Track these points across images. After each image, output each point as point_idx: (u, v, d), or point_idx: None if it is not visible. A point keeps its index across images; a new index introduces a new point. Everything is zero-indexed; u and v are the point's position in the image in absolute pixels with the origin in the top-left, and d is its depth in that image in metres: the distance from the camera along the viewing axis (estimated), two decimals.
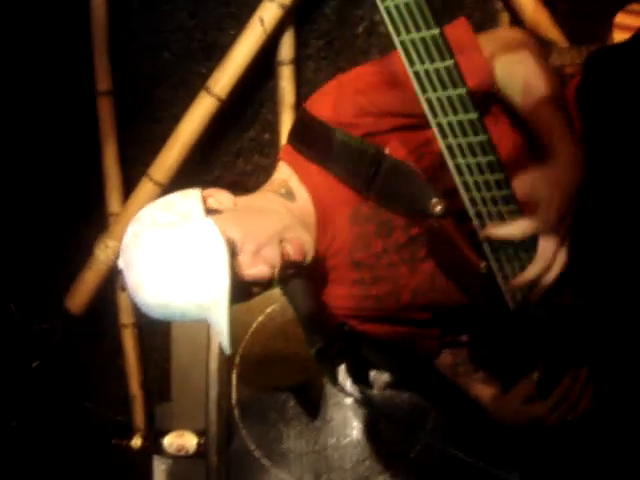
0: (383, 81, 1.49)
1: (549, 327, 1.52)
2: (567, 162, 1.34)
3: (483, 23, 2.48)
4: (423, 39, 1.10)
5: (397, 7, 1.08)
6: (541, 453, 1.77)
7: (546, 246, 1.33)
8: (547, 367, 1.63)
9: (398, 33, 1.11)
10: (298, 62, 2.51)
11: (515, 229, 1.32)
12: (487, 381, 1.75)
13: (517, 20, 2.41)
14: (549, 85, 1.44)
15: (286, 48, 2.46)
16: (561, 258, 1.35)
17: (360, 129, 1.50)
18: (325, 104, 1.56)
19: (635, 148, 1.41)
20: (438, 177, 1.44)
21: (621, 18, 2.08)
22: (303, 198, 1.58)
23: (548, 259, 1.34)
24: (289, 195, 1.58)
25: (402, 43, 1.12)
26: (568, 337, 1.55)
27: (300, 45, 2.50)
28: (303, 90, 2.52)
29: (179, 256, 1.37)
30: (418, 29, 1.09)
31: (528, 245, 1.35)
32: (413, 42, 1.11)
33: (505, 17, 2.45)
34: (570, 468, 1.76)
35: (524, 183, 1.31)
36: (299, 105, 2.49)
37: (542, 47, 1.64)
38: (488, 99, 1.55)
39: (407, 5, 1.07)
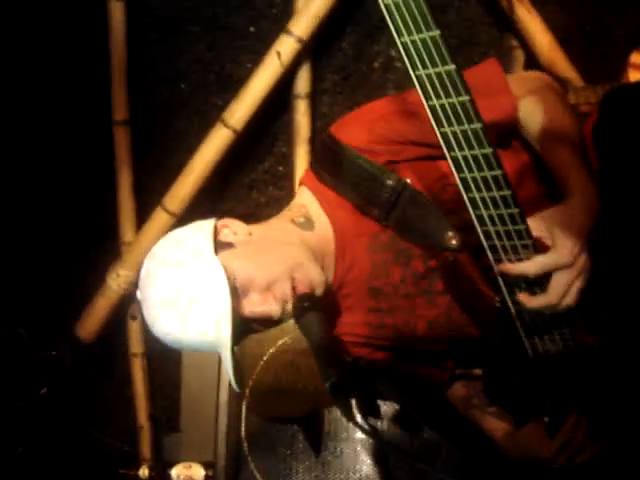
0: (408, 111, 1.50)
1: (563, 364, 1.52)
2: (582, 203, 1.35)
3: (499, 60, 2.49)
4: (439, 74, 1.11)
5: (414, 42, 1.09)
6: None
7: (559, 281, 1.33)
8: (556, 409, 1.62)
9: (414, 68, 1.12)
10: (314, 96, 2.52)
11: (529, 267, 1.32)
12: (500, 416, 1.75)
13: (532, 58, 2.42)
14: (569, 127, 1.47)
15: (302, 82, 2.47)
16: (573, 294, 1.34)
17: (382, 156, 1.51)
18: (350, 129, 1.57)
19: None
20: (459, 210, 1.45)
21: (636, 57, 2.09)
22: (323, 225, 1.59)
23: (559, 294, 1.34)
24: (308, 223, 1.59)
25: (418, 78, 1.13)
26: (581, 376, 1.54)
27: (316, 79, 2.51)
28: (318, 124, 2.53)
29: (186, 298, 1.40)
30: (434, 65, 1.10)
31: (543, 281, 1.35)
32: (429, 77, 1.12)
33: (520, 55, 2.46)
34: None
35: (540, 222, 1.32)
36: (314, 139, 2.50)
37: (563, 90, 1.67)
38: (510, 135, 1.57)
39: (424, 41, 1.08)
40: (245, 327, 1.45)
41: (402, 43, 1.10)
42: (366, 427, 1.25)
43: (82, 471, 2.75)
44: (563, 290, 1.34)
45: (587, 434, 1.62)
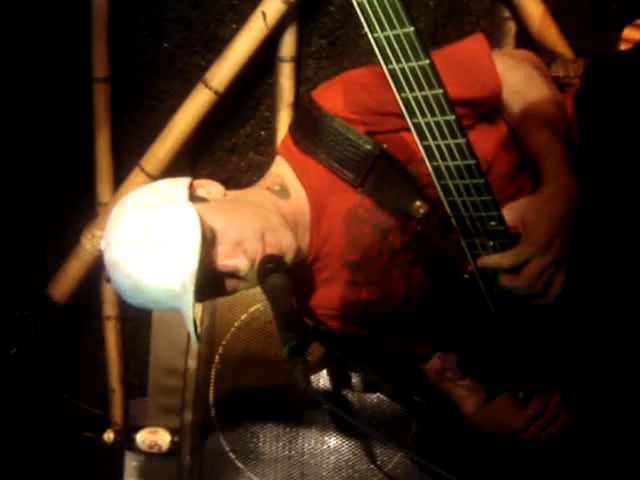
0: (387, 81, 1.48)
1: (532, 336, 1.49)
2: (555, 190, 1.35)
3: (489, 31, 2.45)
4: (398, 37, 1.08)
5: (370, 3, 1.05)
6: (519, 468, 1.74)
7: (529, 267, 1.33)
8: (533, 385, 1.61)
9: (373, 31, 1.09)
10: (299, 60, 2.47)
11: (503, 260, 1.34)
12: (472, 389, 1.73)
13: (524, 30, 2.37)
14: (552, 111, 1.46)
15: (288, 45, 2.41)
16: (544, 282, 1.35)
17: (364, 126, 1.50)
18: (332, 96, 1.55)
19: (631, 154, 1.38)
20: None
21: (628, 32, 2.04)
22: (299, 195, 1.57)
23: (529, 280, 1.34)
24: (283, 192, 1.57)
25: (377, 40, 1.10)
26: (549, 349, 1.52)
27: (302, 43, 2.46)
28: (302, 88, 2.48)
29: (154, 238, 1.36)
30: (393, 28, 1.07)
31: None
32: (388, 40, 1.09)
33: (512, 26, 2.41)
34: None
35: (514, 212, 1.33)
36: (297, 103, 2.45)
37: (549, 70, 1.66)
38: (492, 112, 1.55)
39: (381, 3, 1.04)
40: (210, 280, 1.42)
41: (359, 3, 1.06)
42: (324, 399, 1.23)
43: (50, 433, 2.73)
44: (532, 277, 1.33)
45: (560, 406, 1.61)
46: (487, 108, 1.53)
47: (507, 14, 2.42)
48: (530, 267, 1.33)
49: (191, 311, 1.37)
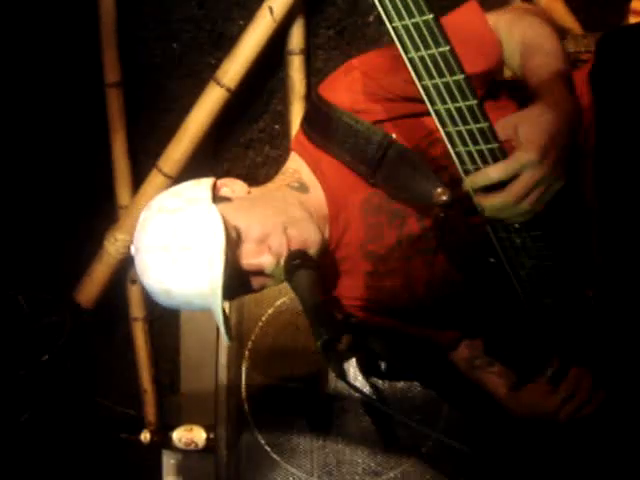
0: (395, 65, 1.46)
1: (560, 318, 1.49)
2: (551, 101, 1.28)
3: (496, 5, 2.43)
4: (417, 25, 1.08)
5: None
6: (552, 452, 1.74)
7: (519, 179, 1.22)
8: (561, 362, 1.60)
9: (391, 20, 1.09)
10: (308, 52, 2.48)
11: (492, 170, 1.22)
12: (502, 374, 1.72)
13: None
14: (549, 42, 1.42)
15: (296, 38, 2.42)
16: (534, 198, 1.24)
17: (371, 115, 1.49)
18: (337, 89, 1.55)
19: None
20: (449, 165, 1.42)
21: (636, 4, 2.04)
22: (316, 190, 1.58)
23: (517, 193, 1.23)
24: (302, 188, 1.57)
25: (395, 30, 1.10)
26: (578, 329, 1.52)
27: (310, 35, 2.47)
28: (313, 80, 2.49)
29: (180, 243, 1.38)
30: (412, 16, 1.07)
31: (535, 235, 1.32)
32: (406, 28, 1.09)
33: (518, 1, 2.40)
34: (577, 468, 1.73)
35: (507, 125, 1.24)
36: (309, 95, 2.46)
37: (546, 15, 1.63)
38: (497, 92, 1.55)
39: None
40: (237, 280, 1.43)
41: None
42: (358, 388, 1.23)
43: (86, 436, 2.76)
44: (521, 189, 1.22)
45: (591, 385, 1.60)
46: (495, 74, 1.51)
47: None
48: (521, 179, 1.22)
49: (221, 311, 1.39)
